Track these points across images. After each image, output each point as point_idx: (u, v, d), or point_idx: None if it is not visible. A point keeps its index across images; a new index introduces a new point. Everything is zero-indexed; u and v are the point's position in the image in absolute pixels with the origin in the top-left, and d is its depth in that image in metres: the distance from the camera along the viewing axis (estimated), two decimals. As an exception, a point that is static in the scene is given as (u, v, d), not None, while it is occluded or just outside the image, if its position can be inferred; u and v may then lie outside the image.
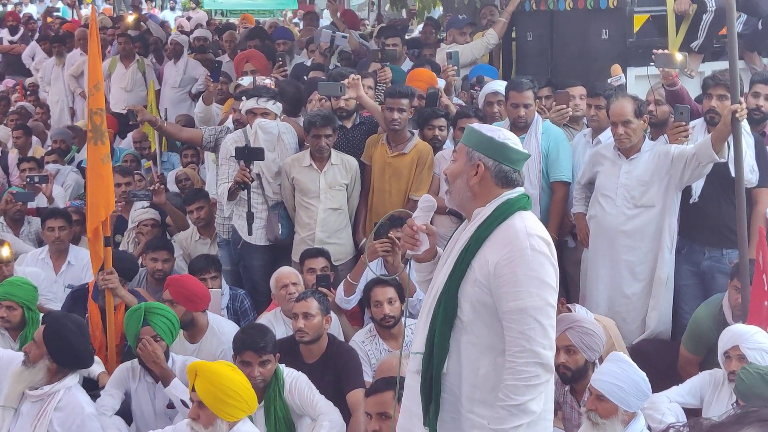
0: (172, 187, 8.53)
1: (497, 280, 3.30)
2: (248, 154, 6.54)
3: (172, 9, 25.04)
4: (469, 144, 3.49)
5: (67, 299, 6.35)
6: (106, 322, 5.75)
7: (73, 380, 5.03)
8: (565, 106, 6.69)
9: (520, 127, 6.35)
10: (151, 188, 7.04)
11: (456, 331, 3.38)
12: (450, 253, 3.51)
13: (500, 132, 3.55)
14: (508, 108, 6.44)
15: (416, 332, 3.57)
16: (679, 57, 5.87)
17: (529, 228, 3.37)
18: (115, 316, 5.75)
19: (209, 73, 8.62)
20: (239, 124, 7.04)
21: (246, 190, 6.62)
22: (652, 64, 6.20)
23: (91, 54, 5.91)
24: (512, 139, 3.53)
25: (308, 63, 9.36)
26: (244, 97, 6.91)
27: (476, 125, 3.68)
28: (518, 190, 3.48)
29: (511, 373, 3.27)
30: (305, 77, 8.43)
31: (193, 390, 4.27)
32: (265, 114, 6.70)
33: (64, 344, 5.00)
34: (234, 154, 6.65)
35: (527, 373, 3.25)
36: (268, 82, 7.38)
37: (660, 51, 6.00)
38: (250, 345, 4.86)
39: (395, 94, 6.58)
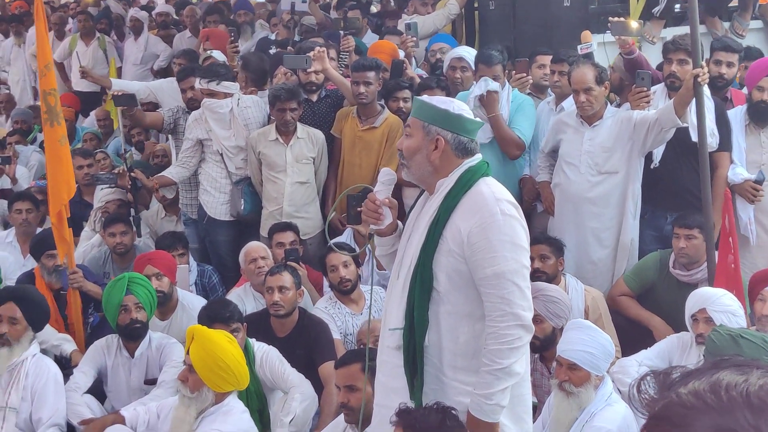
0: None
1: (471, 247, 3.33)
2: None
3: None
4: (424, 118, 3.48)
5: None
6: (70, 304, 5.76)
7: (36, 348, 5.11)
8: (525, 74, 6.72)
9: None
10: (115, 171, 6.98)
11: (433, 302, 3.40)
12: (414, 226, 3.54)
13: (453, 103, 3.57)
14: (477, 79, 6.42)
15: (389, 307, 3.57)
16: (634, 24, 5.91)
17: (496, 193, 3.41)
18: (73, 297, 5.76)
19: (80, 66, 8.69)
20: (194, 101, 7.00)
21: (133, 193, 6.89)
22: (608, 31, 6.23)
23: (39, 34, 5.80)
24: (466, 110, 3.56)
25: (272, 37, 9.32)
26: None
27: (425, 98, 3.68)
28: (477, 157, 3.51)
29: (494, 337, 3.31)
30: (270, 51, 8.40)
31: (187, 353, 4.31)
32: (211, 95, 6.67)
33: (39, 308, 5.12)
34: (199, 135, 6.71)
35: (510, 336, 3.30)
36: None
37: (615, 19, 6.02)
38: (216, 317, 4.89)
39: (360, 68, 6.55)
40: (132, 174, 6.73)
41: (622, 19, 6.06)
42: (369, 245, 3.69)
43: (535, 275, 5.32)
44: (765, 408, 1.15)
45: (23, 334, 5.00)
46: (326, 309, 5.67)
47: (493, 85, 6.10)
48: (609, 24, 6.06)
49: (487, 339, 3.34)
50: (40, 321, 5.17)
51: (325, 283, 6.25)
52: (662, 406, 1.24)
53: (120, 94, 7.24)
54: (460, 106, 3.56)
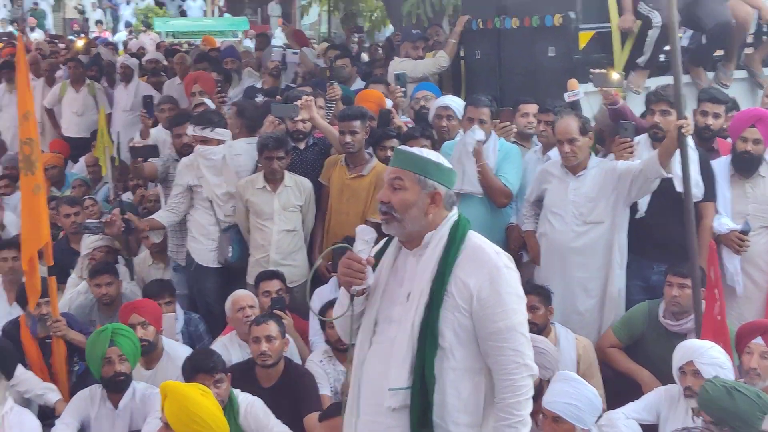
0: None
1: (481, 302, 3.35)
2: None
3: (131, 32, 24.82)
4: (418, 171, 3.46)
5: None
6: (54, 352, 5.73)
7: (11, 400, 5.08)
8: (509, 123, 6.77)
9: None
10: (104, 220, 6.96)
11: (437, 359, 3.39)
12: (391, 281, 3.52)
13: (439, 156, 3.60)
14: (464, 123, 6.45)
15: (381, 367, 3.47)
16: (615, 76, 5.96)
17: (493, 246, 3.48)
18: (57, 346, 5.73)
19: (144, 109, 8.50)
20: (186, 147, 7.01)
21: (126, 236, 6.85)
22: (591, 82, 6.30)
23: (20, 83, 5.80)
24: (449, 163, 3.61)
25: (259, 85, 9.38)
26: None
27: (414, 149, 3.62)
28: (456, 210, 3.55)
29: (511, 390, 3.36)
30: (257, 99, 8.44)
31: (162, 410, 4.28)
32: (204, 141, 6.71)
33: (8, 354, 5.19)
34: (189, 181, 6.72)
35: (525, 387, 3.38)
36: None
37: (597, 71, 6.09)
38: (201, 368, 4.87)
39: (345, 117, 6.58)
40: (125, 216, 6.70)
41: (603, 70, 6.11)
42: (351, 306, 3.58)
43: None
44: None
45: None
46: (321, 364, 5.62)
47: (479, 135, 6.14)
48: (591, 75, 6.12)
49: (502, 392, 3.37)
50: (10, 368, 5.15)
51: (311, 331, 6.23)
52: None
53: (140, 145, 7.23)
54: (443, 158, 3.59)
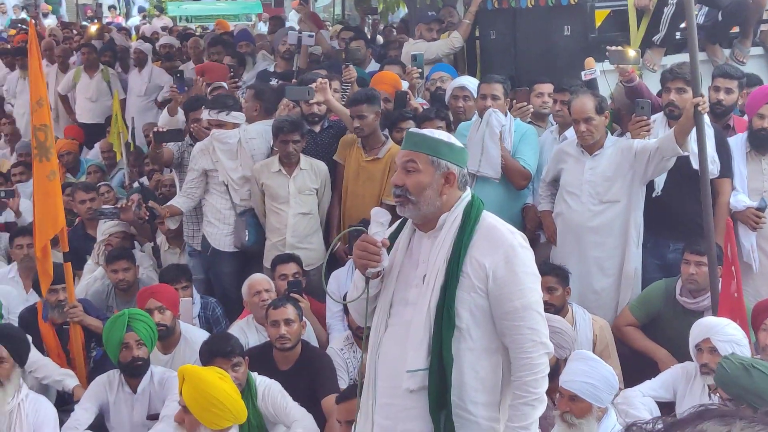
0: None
1: (497, 281, 3.36)
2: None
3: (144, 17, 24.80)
4: (431, 152, 3.45)
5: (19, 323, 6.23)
6: (71, 338, 5.76)
7: (26, 388, 5.10)
8: (525, 103, 6.74)
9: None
10: (119, 206, 6.98)
11: (455, 339, 3.40)
12: (405, 263, 3.51)
13: (450, 136, 3.61)
14: (478, 101, 6.43)
15: (398, 349, 3.48)
16: (632, 53, 5.93)
17: (507, 226, 3.48)
18: (74, 332, 5.76)
19: (174, 84, 8.46)
20: (201, 132, 7.00)
21: (150, 223, 6.90)
22: (607, 60, 6.26)
23: (33, 70, 5.82)
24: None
25: (271, 69, 9.36)
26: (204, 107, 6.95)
27: (425, 131, 3.64)
28: (469, 191, 3.55)
29: (529, 368, 3.38)
30: (271, 83, 8.43)
31: (180, 393, 4.31)
32: (220, 125, 6.71)
33: (22, 342, 5.13)
34: (204, 165, 6.72)
35: (542, 365, 3.40)
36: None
37: (613, 48, 6.05)
38: (218, 352, 4.88)
39: (353, 102, 6.56)
40: (149, 205, 6.73)
41: (620, 48, 6.07)
42: (367, 289, 3.57)
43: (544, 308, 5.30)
44: None
45: (12, 372, 4.98)
46: (342, 352, 5.62)
47: (504, 119, 6.13)
48: (607, 53, 6.08)
49: (519, 371, 3.39)
50: (23, 355, 5.15)
51: (328, 314, 6.24)
52: None
53: (165, 130, 7.25)
54: (455, 138, 3.60)
